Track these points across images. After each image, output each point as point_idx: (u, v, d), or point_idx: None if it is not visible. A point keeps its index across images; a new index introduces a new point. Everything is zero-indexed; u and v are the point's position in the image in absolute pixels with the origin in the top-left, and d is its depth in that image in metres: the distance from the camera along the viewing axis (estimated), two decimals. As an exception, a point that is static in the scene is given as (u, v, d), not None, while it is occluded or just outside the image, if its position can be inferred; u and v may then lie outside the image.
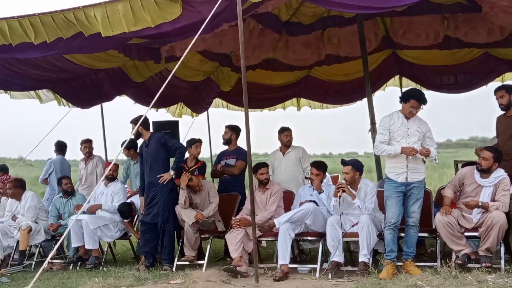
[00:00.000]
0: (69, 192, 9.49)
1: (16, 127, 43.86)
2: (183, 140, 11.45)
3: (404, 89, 12.76)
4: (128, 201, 9.21)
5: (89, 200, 8.73)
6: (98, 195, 9.17)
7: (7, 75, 8.58)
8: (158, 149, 8.44)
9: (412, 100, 6.97)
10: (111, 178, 9.16)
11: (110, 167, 8.78)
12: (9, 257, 9.18)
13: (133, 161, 9.81)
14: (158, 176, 8.33)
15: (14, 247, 9.21)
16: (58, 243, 7.39)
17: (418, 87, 11.72)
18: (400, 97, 7.18)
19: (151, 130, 8.96)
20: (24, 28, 6.91)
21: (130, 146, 9.62)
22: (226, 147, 9.48)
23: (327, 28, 10.51)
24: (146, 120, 8.43)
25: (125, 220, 9.00)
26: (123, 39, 7.50)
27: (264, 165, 8.29)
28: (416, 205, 7.03)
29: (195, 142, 9.30)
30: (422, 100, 7.00)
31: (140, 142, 8.95)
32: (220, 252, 9.16)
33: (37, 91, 10.00)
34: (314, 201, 7.87)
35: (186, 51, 6.60)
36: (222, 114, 13.95)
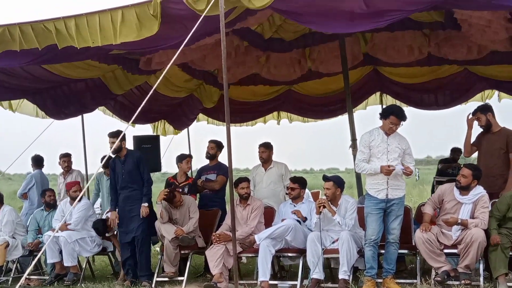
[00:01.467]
0: (51, 205, 9.37)
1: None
2: (163, 155, 11.45)
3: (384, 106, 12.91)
4: (104, 217, 9.12)
5: (59, 219, 8.71)
6: (67, 214, 8.90)
7: None
8: (134, 168, 8.36)
9: (392, 117, 7.02)
10: (75, 197, 8.82)
11: (75, 189, 8.78)
12: (-15, 273, 9.02)
13: (106, 176, 9.71)
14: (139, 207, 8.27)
15: (-10, 262, 9.04)
16: (36, 259, 7.30)
17: (398, 103, 11.79)
18: (380, 114, 7.24)
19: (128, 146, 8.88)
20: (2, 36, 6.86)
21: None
22: (207, 162, 9.45)
23: (309, 46, 10.54)
24: (124, 136, 8.36)
25: (107, 235, 8.90)
26: (103, 50, 7.47)
27: (245, 179, 8.28)
28: (396, 222, 7.06)
29: (185, 158, 9.29)
30: (401, 117, 7.05)
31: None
32: (200, 268, 9.08)
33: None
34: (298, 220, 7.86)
35: (168, 67, 6.56)
36: (202, 129, 13.92)
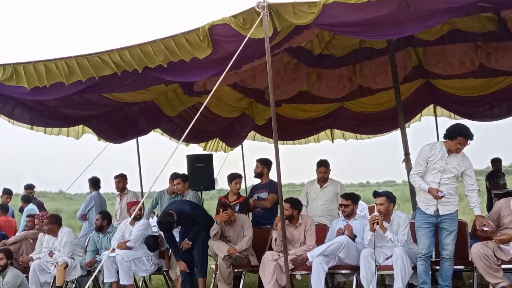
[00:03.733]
0: (99, 228, 9.54)
1: (55, 162, 44.71)
2: (217, 175, 11.56)
3: (439, 119, 12.73)
4: (156, 233, 9.29)
5: (118, 238, 8.91)
6: (126, 233, 9.17)
7: (40, 113, 8.81)
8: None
9: (460, 138, 6.81)
10: (135, 216, 9.06)
11: (136, 207, 8.83)
12: (46, 293, 9.28)
13: (168, 195, 9.89)
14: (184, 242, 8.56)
15: (51, 283, 9.27)
16: (92, 277, 7.46)
17: (452, 116, 11.60)
18: (444, 134, 6.99)
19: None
20: (60, 69, 7.09)
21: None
22: (259, 180, 9.51)
23: (359, 61, 10.50)
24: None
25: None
26: (159, 79, 7.63)
27: (286, 201, 8.09)
28: (449, 238, 6.91)
29: (235, 178, 9.39)
30: (469, 137, 6.83)
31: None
32: (254, 286, 9.10)
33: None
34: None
35: (216, 85, 6.66)
36: (256, 147, 14.01)
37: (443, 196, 6.77)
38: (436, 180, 6.90)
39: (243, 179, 9.64)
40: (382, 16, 6.11)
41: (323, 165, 9.27)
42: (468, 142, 6.86)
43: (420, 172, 7.03)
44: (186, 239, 8.52)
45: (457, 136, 6.83)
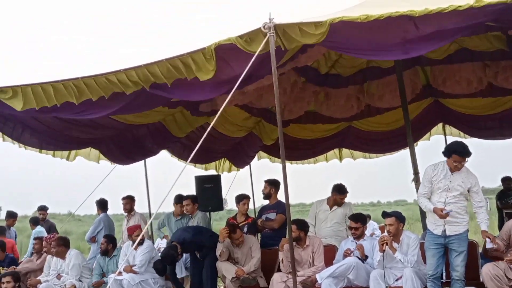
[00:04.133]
0: (104, 252, 9.54)
1: (63, 183, 44.85)
2: (225, 195, 11.53)
3: (448, 137, 12.65)
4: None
5: (125, 261, 8.90)
6: (128, 256, 9.10)
7: (49, 136, 8.83)
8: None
9: (454, 155, 6.78)
10: (141, 241, 9.00)
11: (138, 232, 8.87)
12: (54, 315, 9.21)
13: (174, 217, 9.87)
14: None
15: (59, 305, 9.24)
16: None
17: (462, 135, 11.52)
18: (442, 152, 6.97)
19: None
20: (68, 89, 7.10)
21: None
22: (268, 201, 9.46)
23: (366, 80, 10.48)
24: None
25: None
26: (165, 99, 7.62)
27: (292, 223, 7.85)
28: (459, 259, 6.80)
29: (242, 199, 9.40)
30: (464, 154, 6.78)
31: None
32: (263, 307, 9.01)
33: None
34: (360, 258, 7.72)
35: (224, 104, 6.63)
36: (264, 167, 13.96)
37: (447, 214, 6.69)
38: (441, 200, 6.85)
39: (251, 199, 9.57)
40: (389, 36, 6.09)
41: (339, 192, 9.07)
42: (466, 160, 6.81)
43: (426, 193, 7.00)
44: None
45: (452, 154, 6.81)
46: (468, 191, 6.87)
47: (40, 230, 11.49)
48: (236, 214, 9.40)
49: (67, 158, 10.30)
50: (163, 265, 8.75)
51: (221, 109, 6.64)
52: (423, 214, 9.68)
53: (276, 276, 7.76)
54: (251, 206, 10.04)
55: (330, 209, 9.09)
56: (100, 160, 10.48)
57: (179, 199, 9.93)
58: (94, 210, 11.34)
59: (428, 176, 7.00)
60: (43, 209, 12.53)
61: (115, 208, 11.85)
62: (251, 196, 9.94)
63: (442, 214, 6.71)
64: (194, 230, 8.99)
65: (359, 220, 8.08)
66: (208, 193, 10.73)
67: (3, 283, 8.77)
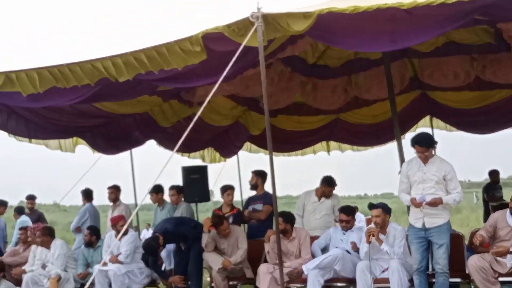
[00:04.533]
0: (88, 243, 9.49)
1: (50, 173, 44.69)
2: (212, 186, 11.50)
3: (435, 130, 12.67)
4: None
5: (109, 252, 8.81)
6: (113, 247, 9.04)
7: (35, 124, 8.73)
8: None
9: (416, 146, 6.84)
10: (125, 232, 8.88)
11: (122, 223, 8.80)
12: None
13: (159, 207, 9.85)
14: None
15: (44, 295, 9.16)
16: (85, 289, 7.33)
17: (448, 127, 11.55)
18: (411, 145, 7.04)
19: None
20: (54, 75, 7.02)
21: (158, 190, 9.73)
22: (255, 192, 9.44)
23: (354, 72, 10.46)
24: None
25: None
26: (152, 86, 7.56)
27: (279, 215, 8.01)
28: (440, 251, 6.80)
29: (226, 190, 9.40)
30: (424, 144, 6.82)
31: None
32: (249, 299, 9.01)
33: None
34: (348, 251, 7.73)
35: (210, 95, 6.59)
36: (253, 158, 13.92)
37: (423, 201, 6.71)
38: (418, 192, 6.88)
39: (235, 190, 9.56)
40: (377, 28, 6.07)
41: (328, 184, 9.10)
42: (430, 150, 6.84)
43: (405, 189, 7.07)
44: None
45: (415, 145, 6.87)
46: (444, 179, 6.86)
47: (25, 220, 11.38)
48: (221, 205, 9.36)
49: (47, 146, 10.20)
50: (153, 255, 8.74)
51: (207, 100, 6.59)
52: (409, 207, 9.77)
53: (263, 267, 7.76)
54: (238, 197, 10.03)
55: (319, 201, 9.08)
56: (75, 147, 10.39)
57: (155, 188, 9.84)
58: (79, 200, 11.24)
59: (404, 171, 7.08)
60: (31, 198, 12.40)
61: (101, 198, 11.78)
62: (238, 187, 9.95)
63: (416, 203, 6.76)
64: (176, 220, 8.97)
65: (350, 213, 8.13)
66: (195, 184, 10.67)
67: None
